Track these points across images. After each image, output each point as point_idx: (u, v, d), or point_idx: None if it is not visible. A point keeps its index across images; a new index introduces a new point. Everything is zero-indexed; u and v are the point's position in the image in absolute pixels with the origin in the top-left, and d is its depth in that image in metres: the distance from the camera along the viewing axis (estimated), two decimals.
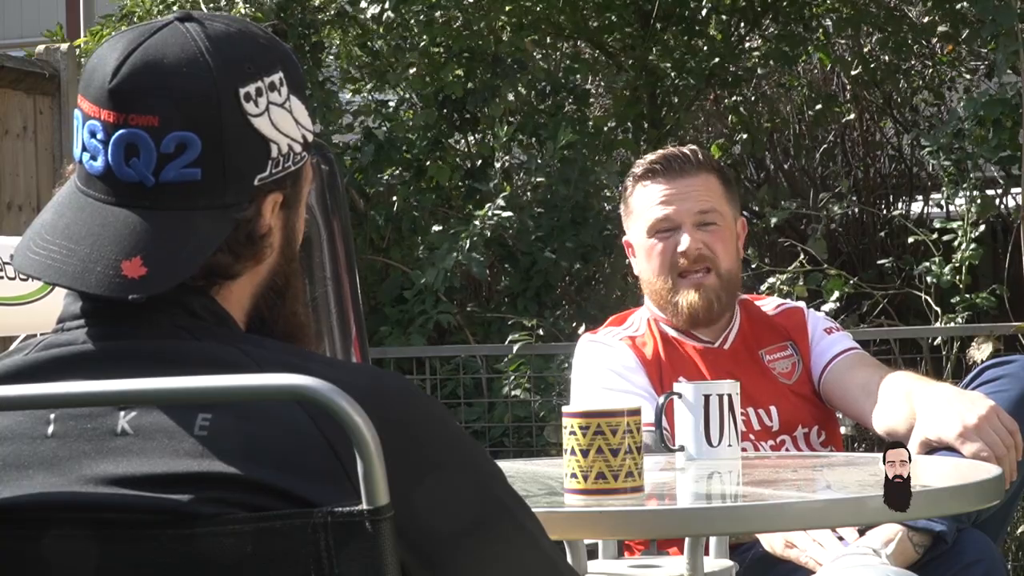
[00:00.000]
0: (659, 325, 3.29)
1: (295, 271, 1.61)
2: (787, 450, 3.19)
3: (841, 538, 2.88)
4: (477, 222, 6.55)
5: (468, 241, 6.51)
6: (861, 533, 2.89)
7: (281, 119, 1.55)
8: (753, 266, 6.41)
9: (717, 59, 7.36)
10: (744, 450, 3.09)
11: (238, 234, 1.53)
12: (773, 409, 3.20)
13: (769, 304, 3.42)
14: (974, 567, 2.85)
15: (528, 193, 6.97)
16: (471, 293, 7.14)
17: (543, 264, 6.77)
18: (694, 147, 3.38)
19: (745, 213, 5.69)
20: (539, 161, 6.96)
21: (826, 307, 6.20)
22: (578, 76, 7.35)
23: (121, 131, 1.51)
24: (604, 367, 3.22)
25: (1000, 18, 6.01)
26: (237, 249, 1.54)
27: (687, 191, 3.26)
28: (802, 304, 3.43)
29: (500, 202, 6.75)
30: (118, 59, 1.52)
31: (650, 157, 3.33)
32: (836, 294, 6.27)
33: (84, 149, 1.54)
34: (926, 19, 7.55)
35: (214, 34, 1.54)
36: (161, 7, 6.95)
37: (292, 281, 1.61)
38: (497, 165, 7.03)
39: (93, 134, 1.53)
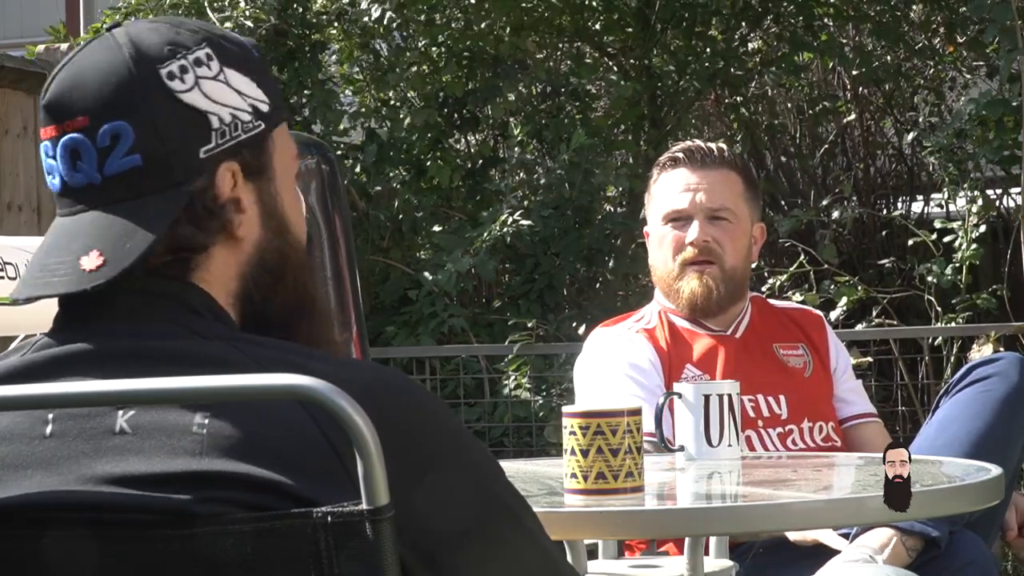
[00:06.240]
0: (668, 315, 3.30)
1: (291, 245, 1.61)
2: (793, 441, 3.19)
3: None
4: (496, 225, 6.53)
5: (483, 246, 6.50)
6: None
7: (216, 91, 1.56)
8: (753, 265, 6.39)
9: (722, 63, 7.34)
10: (748, 439, 3.11)
11: (195, 206, 1.55)
12: (782, 398, 3.21)
13: (783, 303, 3.47)
14: (967, 568, 2.85)
15: (539, 195, 6.95)
16: (473, 295, 7.13)
17: (547, 267, 6.76)
18: (722, 145, 3.40)
19: None
20: (551, 164, 6.95)
21: (834, 313, 6.19)
22: (582, 79, 7.34)
23: (62, 141, 1.55)
24: (623, 360, 3.20)
25: (996, 15, 6.00)
26: (197, 221, 1.55)
27: (705, 184, 3.28)
28: (820, 312, 3.46)
29: (512, 201, 6.74)
30: (50, 79, 1.58)
31: (676, 147, 3.36)
32: (845, 300, 6.27)
33: (48, 173, 1.58)
34: (922, 19, 7.55)
35: (135, 30, 1.58)
36: (165, 4, 6.94)
37: (290, 256, 1.61)
38: (507, 167, 7.03)
39: (47, 154, 1.57)
